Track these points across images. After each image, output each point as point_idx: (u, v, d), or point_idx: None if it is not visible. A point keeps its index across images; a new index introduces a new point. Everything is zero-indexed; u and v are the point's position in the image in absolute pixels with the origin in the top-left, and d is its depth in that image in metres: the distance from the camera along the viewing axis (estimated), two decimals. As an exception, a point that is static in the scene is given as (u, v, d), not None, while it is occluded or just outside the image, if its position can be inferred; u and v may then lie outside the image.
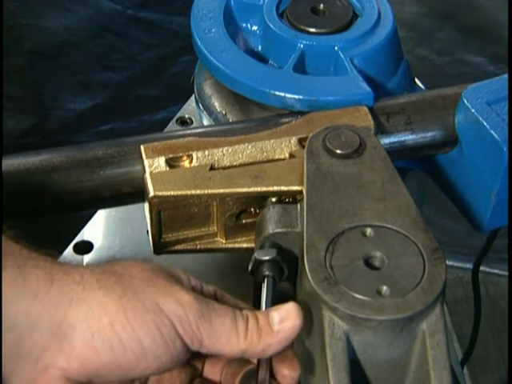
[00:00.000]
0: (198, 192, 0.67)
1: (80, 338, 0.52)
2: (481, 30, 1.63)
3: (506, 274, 1.78)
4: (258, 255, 0.62)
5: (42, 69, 1.69)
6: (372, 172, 0.64)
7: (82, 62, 1.70)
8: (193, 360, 0.58)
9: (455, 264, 1.87)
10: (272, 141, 0.70)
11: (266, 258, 0.61)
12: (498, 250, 0.93)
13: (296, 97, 0.74)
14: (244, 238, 0.70)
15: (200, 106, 0.85)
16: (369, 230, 0.59)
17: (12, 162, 0.70)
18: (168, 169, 0.68)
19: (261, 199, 0.67)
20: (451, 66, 1.69)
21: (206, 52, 0.79)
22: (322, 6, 0.82)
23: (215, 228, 0.70)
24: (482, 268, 0.99)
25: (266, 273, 0.61)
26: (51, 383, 0.53)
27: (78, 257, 0.83)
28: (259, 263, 0.62)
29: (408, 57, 0.86)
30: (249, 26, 0.84)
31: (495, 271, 1.84)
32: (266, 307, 0.59)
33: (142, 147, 0.70)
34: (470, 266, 1.82)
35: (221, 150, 0.69)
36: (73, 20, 1.64)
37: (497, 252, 0.93)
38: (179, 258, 0.78)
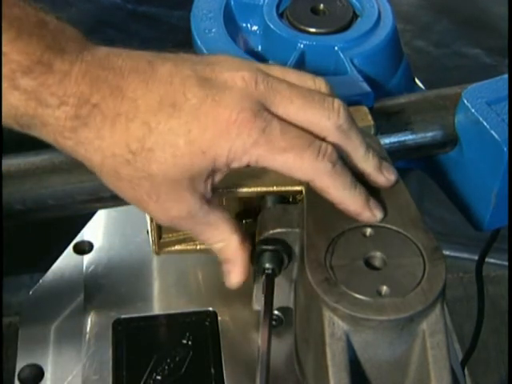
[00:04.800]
0: (198, 192, 0.67)
1: None
2: (478, 23, 1.63)
3: (503, 263, 1.77)
4: (257, 245, 0.63)
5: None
6: (372, 172, 0.64)
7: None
8: None
9: (451, 254, 1.88)
10: (272, 141, 0.70)
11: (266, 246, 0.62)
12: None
13: (296, 97, 0.74)
14: (244, 238, 0.70)
15: (200, 106, 0.85)
16: (369, 230, 0.59)
17: (12, 162, 0.70)
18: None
19: (261, 199, 0.67)
20: (448, 58, 1.69)
21: (206, 52, 0.79)
22: (322, 6, 0.82)
23: (215, 228, 0.70)
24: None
25: (267, 265, 0.62)
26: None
27: (77, 257, 0.83)
28: (259, 253, 0.62)
29: (405, 49, 0.86)
30: (249, 25, 0.84)
31: (492, 261, 1.84)
32: (266, 303, 0.59)
33: (142, 147, 0.70)
34: (465, 255, 1.83)
35: (221, 150, 0.69)
36: (72, 14, 1.64)
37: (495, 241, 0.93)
38: (179, 258, 0.78)
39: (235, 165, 0.57)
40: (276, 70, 0.60)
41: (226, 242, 0.61)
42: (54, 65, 0.54)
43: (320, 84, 0.61)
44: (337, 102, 0.59)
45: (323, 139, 0.58)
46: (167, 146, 0.55)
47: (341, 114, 0.58)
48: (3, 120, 0.55)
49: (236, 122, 0.55)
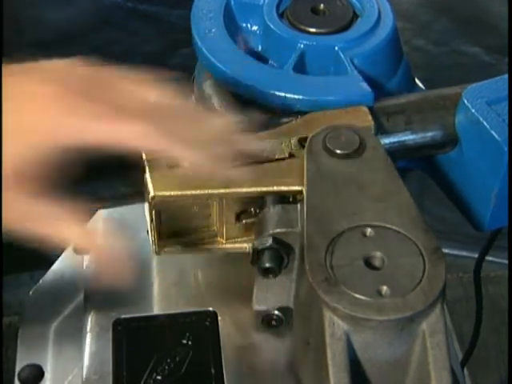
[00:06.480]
0: (198, 192, 0.67)
1: None
2: (477, 21, 1.63)
3: (502, 261, 1.77)
4: (256, 244, 0.62)
5: (43, 61, 1.69)
6: (372, 172, 0.64)
7: (82, 55, 1.70)
8: None
9: (451, 252, 1.88)
10: (272, 141, 0.70)
11: (266, 245, 0.62)
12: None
13: (296, 97, 0.74)
14: (244, 238, 0.70)
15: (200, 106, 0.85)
16: (369, 230, 0.60)
17: (12, 162, 0.70)
18: (168, 169, 0.68)
19: (261, 199, 0.67)
20: (447, 56, 1.69)
21: (206, 52, 0.79)
22: (322, 6, 0.82)
23: (215, 228, 0.70)
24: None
25: (267, 265, 0.61)
26: None
27: (78, 257, 0.83)
28: (259, 252, 0.62)
29: (404, 47, 0.86)
30: (249, 25, 0.84)
31: (490, 258, 1.84)
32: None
33: (142, 147, 0.70)
34: (465, 253, 1.83)
35: (221, 149, 0.69)
36: (73, 12, 1.64)
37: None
38: (180, 258, 0.78)
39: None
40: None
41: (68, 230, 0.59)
42: None
43: None
44: None
45: None
46: None
47: None
48: None
49: None
